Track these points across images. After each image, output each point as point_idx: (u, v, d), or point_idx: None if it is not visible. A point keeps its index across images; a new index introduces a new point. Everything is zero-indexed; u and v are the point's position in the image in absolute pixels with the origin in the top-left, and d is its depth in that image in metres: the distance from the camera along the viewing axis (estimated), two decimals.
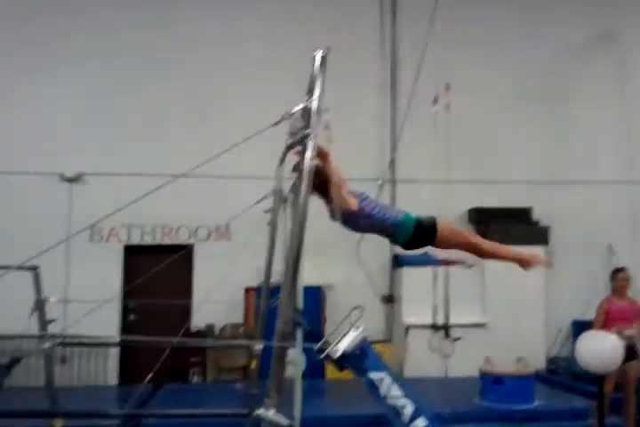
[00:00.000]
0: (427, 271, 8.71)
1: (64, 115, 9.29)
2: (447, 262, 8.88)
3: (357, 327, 3.08)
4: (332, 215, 3.91)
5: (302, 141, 3.28)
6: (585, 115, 10.26)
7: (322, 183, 3.76)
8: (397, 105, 9.78)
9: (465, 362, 8.16)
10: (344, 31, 9.57)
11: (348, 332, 3.07)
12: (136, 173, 8.88)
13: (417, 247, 4.21)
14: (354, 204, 3.87)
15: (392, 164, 9.64)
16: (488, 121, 9.94)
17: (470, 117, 9.64)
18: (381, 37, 10.08)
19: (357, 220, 3.92)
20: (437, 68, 8.95)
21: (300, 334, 3.41)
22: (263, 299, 4.41)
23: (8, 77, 9.27)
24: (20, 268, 4.35)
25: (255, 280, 8.17)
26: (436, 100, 8.68)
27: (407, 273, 9.31)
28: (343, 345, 3.01)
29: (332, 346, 3.02)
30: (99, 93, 9.35)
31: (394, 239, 4.16)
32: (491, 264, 9.25)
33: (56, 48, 9.37)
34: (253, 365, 5.57)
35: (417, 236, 4.07)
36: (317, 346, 3.05)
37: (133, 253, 9.36)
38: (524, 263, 4.16)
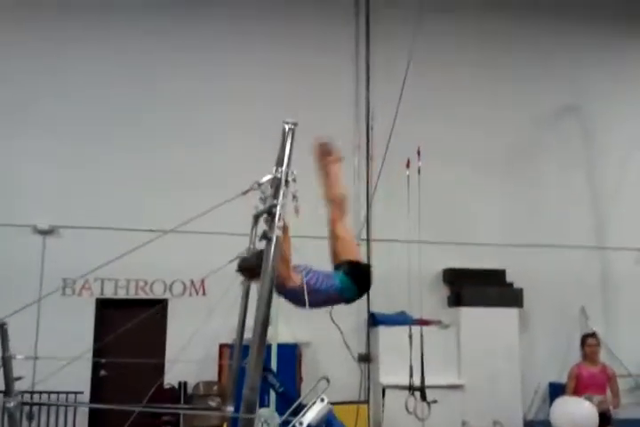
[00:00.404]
0: (403, 330, 8.67)
1: (38, 167, 9.27)
2: (423, 322, 8.87)
3: (322, 400, 3.03)
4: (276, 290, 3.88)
5: (270, 211, 3.37)
6: (555, 180, 10.59)
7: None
8: (371, 167, 9.95)
9: (442, 425, 8.04)
10: (319, 94, 9.86)
11: (313, 404, 3.01)
12: (109, 226, 8.95)
13: (368, 287, 4.43)
14: (296, 279, 3.98)
15: (367, 224, 9.74)
16: (460, 184, 10.17)
17: (442, 180, 9.85)
18: (356, 101, 10.33)
19: (301, 296, 3.90)
20: (410, 131, 9.19)
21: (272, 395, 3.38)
22: (235, 358, 4.37)
23: None
24: None
25: (230, 337, 8.06)
26: (408, 165, 8.88)
27: (383, 332, 9.26)
28: (308, 418, 2.95)
29: (296, 419, 2.95)
30: (73, 147, 9.39)
31: (350, 301, 4.34)
32: (466, 324, 9.36)
33: (28, 102, 9.40)
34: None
35: (361, 284, 4.29)
36: (282, 419, 3.00)
37: (106, 307, 9.21)
38: None
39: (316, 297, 4.04)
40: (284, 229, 3.82)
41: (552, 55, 10.91)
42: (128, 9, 9.89)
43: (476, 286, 9.60)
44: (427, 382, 8.04)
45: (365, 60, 10.36)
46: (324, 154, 4.51)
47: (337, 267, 4.38)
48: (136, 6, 9.92)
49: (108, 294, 9.25)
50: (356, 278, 4.26)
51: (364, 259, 4.71)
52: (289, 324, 7.71)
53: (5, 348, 5.91)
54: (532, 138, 10.63)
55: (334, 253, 4.55)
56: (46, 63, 9.60)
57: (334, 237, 4.58)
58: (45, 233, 9.20)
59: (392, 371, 8.77)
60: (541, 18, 10.91)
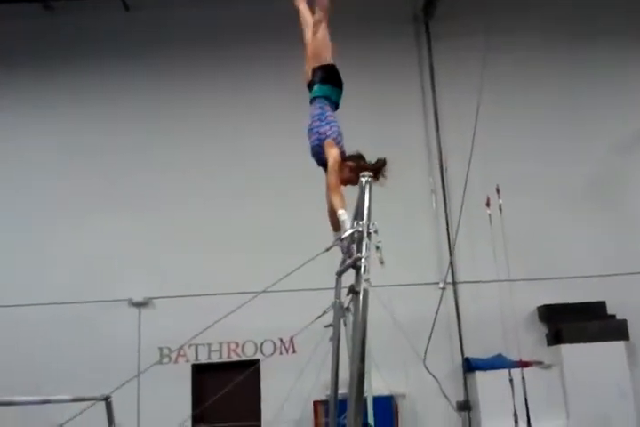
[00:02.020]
0: (502, 374, 8.35)
1: (128, 244, 9.71)
2: (523, 364, 8.54)
3: None
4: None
5: (355, 265, 3.39)
6: None
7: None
8: (451, 209, 9.86)
9: None
10: (390, 143, 9.93)
11: None
12: (198, 293, 9.22)
13: (340, 79, 4.91)
14: (336, 155, 4.45)
15: (451, 266, 9.59)
16: (544, 217, 9.86)
17: (525, 215, 9.61)
18: (427, 144, 10.34)
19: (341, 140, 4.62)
20: (486, 169, 9.12)
21: None
22: (331, 415, 4.32)
23: (75, 208, 9.90)
24: (92, 399, 4.42)
25: (323, 393, 8.00)
26: (488, 203, 8.76)
27: (481, 377, 8.94)
28: None
29: None
30: (157, 223, 9.82)
31: (339, 102, 4.86)
32: (570, 363, 8.93)
33: (117, 186, 9.98)
34: None
35: (333, 81, 4.81)
36: None
37: (202, 372, 9.34)
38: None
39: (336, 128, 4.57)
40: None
41: (628, 81, 10.57)
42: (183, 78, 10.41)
43: (575, 322, 9.17)
44: None
45: (433, 101, 10.40)
46: None
47: (309, 83, 4.87)
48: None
49: (203, 358, 9.41)
50: (328, 80, 4.76)
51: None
52: (382, 375, 7.57)
53: (111, 421, 6.08)
54: (614, 164, 10.24)
55: (308, 59, 4.99)
56: (136, 143, 10.21)
57: (313, 39, 5.05)
58: (140, 305, 9.54)
59: (495, 418, 8.41)
60: (618, 39, 10.63)
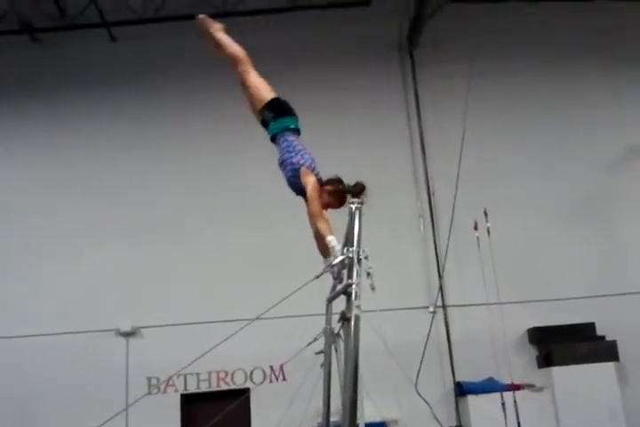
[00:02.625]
0: (493, 398, 8.32)
1: (114, 274, 9.66)
2: (514, 387, 8.52)
3: None
4: None
5: (346, 291, 3.39)
6: (633, 224, 10.15)
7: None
8: (439, 232, 9.90)
9: None
10: (377, 169, 10.00)
11: None
12: (185, 322, 9.17)
13: (284, 106, 4.90)
14: (314, 182, 4.48)
15: (441, 290, 9.59)
16: (532, 239, 9.91)
17: (514, 238, 9.67)
18: (414, 171, 10.39)
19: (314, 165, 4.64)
20: (473, 193, 9.19)
21: None
22: None
23: (60, 238, 9.84)
24: None
25: (315, 420, 7.90)
26: (476, 227, 8.81)
27: (473, 401, 8.88)
28: None
29: None
30: (142, 251, 9.78)
31: (296, 125, 4.84)
32: (561, 385, 8.90)
33: (107, 215, 9.94)
34: None
35: (278, 113, 4.78)
36: None
37: (191, 402, 9.22)
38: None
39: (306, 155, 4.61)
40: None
41: (618, 98, 10.72)
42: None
43: (565, 343, 9.18)
44: None
45: (418, 126, 10.49)
46: (206, 28, 5.08)
47: (262, 123, 4.86)
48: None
49: (192, 388, 9.30)
50: (279, 113, 4.75)
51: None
52: (374, 401, 7.50)
53: None
54: (603, 184, 10.30)
55: (251, 105, 4.99)
56: (125, 173, 10.21)
57: (245, 88, 5.01)
58: (128, 335, 9.44)
59: None
60: (599, 61, 10.81)
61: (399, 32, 10.84)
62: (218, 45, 5.10)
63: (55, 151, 10.37)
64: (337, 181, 4.56)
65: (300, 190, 4.56)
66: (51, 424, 8.62)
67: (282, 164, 4.65)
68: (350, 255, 3.63)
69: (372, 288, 3.63)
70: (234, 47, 5.05)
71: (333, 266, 3.80)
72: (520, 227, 9.85)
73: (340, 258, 3.70)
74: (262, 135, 10.03)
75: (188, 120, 10.47)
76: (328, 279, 4.51)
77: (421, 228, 10.04)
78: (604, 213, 10.24)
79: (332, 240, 4.03)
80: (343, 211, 4.48)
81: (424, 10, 9.96)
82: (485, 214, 8.77)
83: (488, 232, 8.80)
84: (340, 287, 3.73)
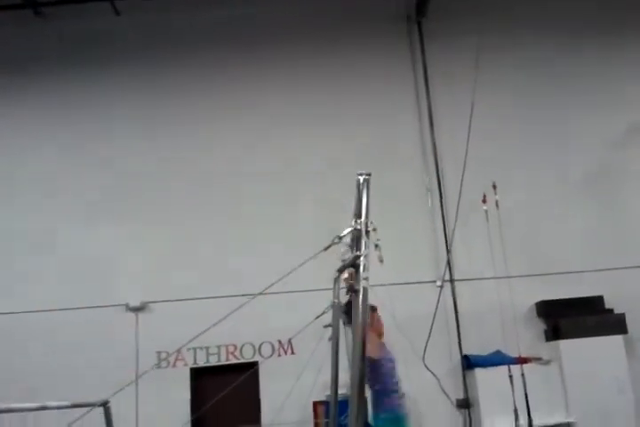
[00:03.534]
0: (501, 371, 8.34)
1: (124, 249, 9.68)
2: (522, 360, 8.53)
3: None
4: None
5: (354, 263, 3.37)
6: (637, 196, 10.11)
7: None
8: (447, 206, 9.85)
9: None
10: (385, 142, 9.94)
11: None
12: (195, 297, 9.18)
13: None
14: (375, 353, 4.27)
15: (448, 264, 9.57)
16: (541, 213, 9.87)
17: (522, 212, 9.64)
18: (422, 144, 10.28)
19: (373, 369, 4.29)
20: (481, 166, 9.13)
21: None
22: (331, 416, 4.30)
23: (71, 216, 9.83)
24: (91, 405, 4.39)
25: (323, 394, 7.97)
26: (484, 200, 8.76)
27: (480, 374, 8.90)
28: None
29: None
30: (153, 226, 9.76)
31: None
32: (569, 358, 8.92)
33: (114, 194, 9.93)
34: None
35: None
36: None
37: (200, 375, 9.29)
38: None
39: (375, 378, 4.36)
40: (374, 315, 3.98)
41: (622, 74, 10.59)
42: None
43: (573, 317, 9.16)
44: (535, 424, 7.66)
45: (427, 100, 10.36)
46: None
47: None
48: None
49: (201, 362, 9.36)
50: None
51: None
52: None
53: (110, 426, 6.06)
54: (609, 158, 10.22)
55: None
56: (134, 150, 10.16)
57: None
58: (137, 310, 9.48)
59: (495, 415, 8.40)
60: (608, 37, 10.66)
61: (407, 3, 10.66)
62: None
63: (63, 122, 10.28)
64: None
65: None
66: (60, 398, 8.70)
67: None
68: (358, 227, 3.59)
69: (381, 260, 3.61)
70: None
71: (342, 238, 3.76)
72: (528, 201, 9.81)
73: (349, 230, 3.67)
74: (250, 115, 9.92)
75: (188, 95, 10.36)
76: (336, 254, 4.49)
77: (429, 202, 9.98)
78: (611, 186, 10.18)
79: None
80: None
81: None
82: (494, 187, 8.70)
83: (497, 205, 8.74)
84: (348, 258, 3.70)
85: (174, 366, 9.25)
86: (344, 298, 4.05)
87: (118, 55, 10.46)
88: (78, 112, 10.32)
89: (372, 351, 4.06)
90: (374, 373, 4.27)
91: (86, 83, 10.40)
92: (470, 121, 8.71)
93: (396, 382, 4.35)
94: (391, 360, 4.35)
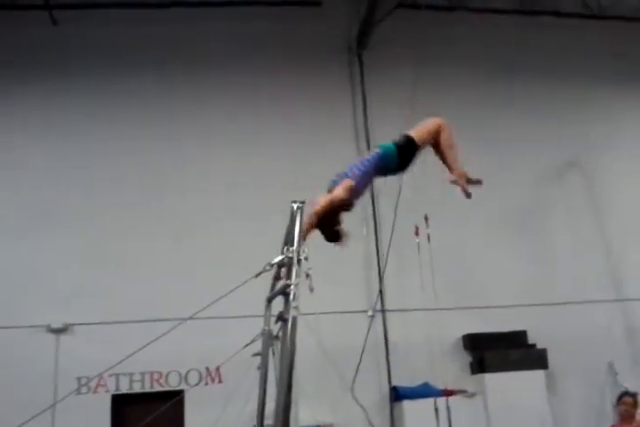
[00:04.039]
0: (428, 403, 8.40)
1: (47, 266, 9.28)
2: (448, 393, 8.63)
3: None
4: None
5: (284, 292, 3.36)
6: (566, 236, 10.50)
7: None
8: (381, 236, 9.96)
9: None
10: (322, 170, 9.93)
11: None
12: (120, 320, 8.87)
13: (410, 161, 4.78)
14: (340, 193, 4.28)
15: (380, 294, 9.64)
16: (471, 247, 10.10)
17: (453, 245, 9.80)
18: None
19: (359, 191, 4.43)
20: (416, 198, 9.27)
21: None
22: None
23: None
24: None
25: (249, 424, 7.80)
26: (417, 232, 8.91)
27: (408, 406, 8.94)
28: None
29: None
30: (81, 244, 9.41)
31: (389, 172, 4.71)
32: (493, 391, 9.07)
33: (39, 201, 9.56)
34: None
35: (403, 154, 4.63)
36: None
37: (122, 403, 8.97)
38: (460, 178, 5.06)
39: (363, 185, 4.45)
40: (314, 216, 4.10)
41: (552, 112, 11.03)
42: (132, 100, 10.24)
43: (497, 350, 9.37)
44: None
45: (365, 129, 10.53)
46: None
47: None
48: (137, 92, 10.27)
49: (124, 389, 9.04)
50: (402, 149, 4.60)
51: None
52: (309, 405, 7.47)
53: None
54: (539, 195, 10.63)
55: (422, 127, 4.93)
56: (62, 165, 9.81)
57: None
58: (59, 331, 9.10)
59: None
60: (538, 76, 11.10)
61: (349, 34, 10.87)
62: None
63: None
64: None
65: (328, 190, 4.46)
66: None
67: (353, 166, 4.59)
68: (290, 255, 3.59)
69: (311, 290, 3.60)
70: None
71: (273, 265, 3.75)
72: (459, 233, 10.00)
73: (280, 258, 3.66)
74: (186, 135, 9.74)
75: (119, 109, 10.16)
76: (268, 280, 4.46)
77: (364, 230, 10.08)
78: (538, 224, 10.54)
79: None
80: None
81: (374, 13, 10.06)
82: (426, 220, 8.87)
83: (428, 238, 8.90)
84: (278, 287, 3.69)
85: (95, 391, 8.90)
86: (274, 327, 4.02)
87: (51, 66, 10.15)
88: (10, 122, 9.99)
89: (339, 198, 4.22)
90: (362, 187, 4.48)
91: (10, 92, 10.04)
92: None
93: (364, 166, 4.52)
94: (355, 173, 4.45)
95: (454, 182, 4.88)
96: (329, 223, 4.32)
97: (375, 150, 4.61)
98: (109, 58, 10.28)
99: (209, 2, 10.40)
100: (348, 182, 4.35)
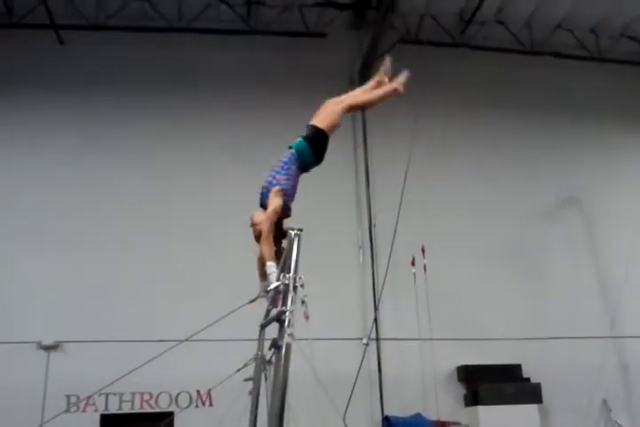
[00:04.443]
0: None
1: (40, 283, 9.23)
2: (441, 424, 8.55)
3: None
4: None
5: (279, 318, 3.36)
6: (563, 271, 10.53)
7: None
8: (377, 264, 9.94)
9: None
10: (321, 197, 10.03)
11: None
12: (112, 339, 8.81)
13: (324, 151, 4.80)
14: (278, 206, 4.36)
15: (375, 322, 9.60)
16: (468, 279, 10.07)
17: (449, 276, 9.81)
18: (357, 202, 10.46)
19: (290, 194, 4.56)
20: (413, 229, 9.31)
21: None
22: None
23: None
24: None
25: None
26: (413, 262, 8.92)
27: None
28: None
29: None
30: (73, 263, 9.38)
31: (311, 166, 4.78)
32: (486, 425, 8.97)
33: (29, 220, 9.53)
34: None
35: (316, 147, 4.69)
36: None
37: (111, 423, 8.86)
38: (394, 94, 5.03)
39: (293, 187, 4.56)
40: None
41: (553, 149, 11.15)
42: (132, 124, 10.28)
43: (492, 383, 9.30)
44: None
45: (364, 159, 10.61)
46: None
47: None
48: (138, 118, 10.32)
49: (113, 409, 8.94)
50: (313, 142, 4.66)
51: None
52: None
53: None
54: (537, 230, 10.65)
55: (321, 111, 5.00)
56: (51, 184, 9.81)
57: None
58: (50, 349, 9.02)
59: None
60: (539, 113, 11.24)
61: (352, 66, 10.98)
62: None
63: None
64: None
65: (262, 205, 4.52)
66: None
67: (271, 171, 4.64)
68: (286, 282, 3.61)
69: (307, 317, 3.60)
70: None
71: (269, 291, 3.76)
72: (456, 265, 10.01)
73: (276, 284, 3.67)
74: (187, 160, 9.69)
75: (120, 132, 10.19)
76: (263, 305, 4.45)
77: (360, 259, 10.07)
78: (535, 258, 10.55)
79: (272, 266, 4.01)
80: None
81: (377, 47, 10.21)
82: (423, 251, 8.90)
83: (424, 269, 8.92)
84: (273, 314, 3.69)
85: (84, 410, 8.80)
86: (267, 352, 4.00)
87: (56, 85, 10.21)
88: (8, 138, 10.00)
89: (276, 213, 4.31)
90: (293, 190, 4.58)
91: (20, 108, 10.09)
92: (404, 182, 8.88)
93: (284, 170, 4.58)
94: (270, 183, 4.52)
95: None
96: (277, 235, 4.38)
97: (290, 151, 4.67)
98: (116, 78, 10.38)
99: (216, 29, 10.51)
100: (277, 189, 4.46)
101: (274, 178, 4.53)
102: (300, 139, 4.71)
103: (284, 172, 4.55)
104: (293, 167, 4.60)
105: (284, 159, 4.62)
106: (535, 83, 11.36)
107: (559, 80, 11.43)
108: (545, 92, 11.37)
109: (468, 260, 10.15)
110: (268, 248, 4.17)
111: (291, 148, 4.70)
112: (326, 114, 4.90)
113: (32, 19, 10.08)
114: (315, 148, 4.69)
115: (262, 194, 4.55)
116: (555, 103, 11.36)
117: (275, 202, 4.35)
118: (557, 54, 11.39)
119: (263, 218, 4.32)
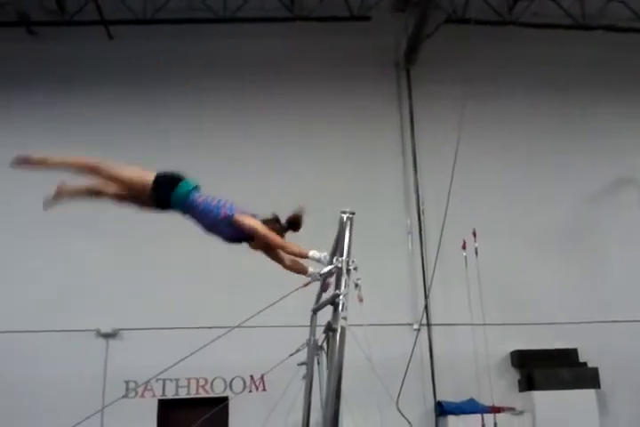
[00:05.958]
0: (474, 419, 8.26)
1: (99, 273, 9.47)
2: (495, 409, 8.47)
3: None
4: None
5: (333, 302, 3.36)
6: (617, 252, 10.22)
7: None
8: (427, 250, 9.88)
9: None
10: (369, 183, 10.00)
11: None
12: (168, 326, 9.01)
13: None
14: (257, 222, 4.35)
15: (426, 308, 9.55)
16: (520, 262, 9.90)
17: (501, 260, 9.66)
18: (405, 186, 10.39)
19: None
20: (463, 213, 9.20)
21: None
22: None
23: (42, 236, 9.57)
24: None
25: None
26: (464, 246, 8.81)
27: (453, 422, 8.81)
28: None
29: None
30: (130, 251, 9.58)
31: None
32: (542, 410, 8.85)
33: (87, 212, 9.74)
34: None
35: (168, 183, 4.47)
36: None
37: (168, 408, 9.10)
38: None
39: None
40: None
41: (607, 126, 10.78)
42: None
43: (547, 368, 9.15)
44: None
45: (412, 144, 10.49)
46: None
47: (159, 204, 4.72)
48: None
49: (170, 394, 9.17)
50: (172, 183, 4.48)
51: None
52: (354, 417, 7.42)
53: None
54: (592, 211, 10.36)
55: (136, 194, 4.84)
56: None
57: (122, 183, 4.82)
58: (108, 336, 9.31)
59: None
60: (591, 91, 10.91)
61: (397, 49, 10.87)
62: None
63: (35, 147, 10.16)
64: (274, 220, 4.48)
65: (247, 236, 4.47)
66: (23, 425, 8.47)
67: (212, 227, 4.49)
68: (339, 265, 3.60)
69: (360, 299, 3.60)
70: (78, 158, 4.76)
71: (322, 275, 3.76)
72: (507, 249, 9.84)
73: (329, 267, 3.66)
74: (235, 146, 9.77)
75: (172, 120, 10.33)
76: (314, 290, 4.47)
77: (409, 244, 10.01)
78: (591, 240, 10.28)
79: (316, 253, 3.99)
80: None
81: (423, 29, 10.01)
82: (474, 234, 8.77)
83: (476, 252, 8.80)
84: (326, 297, 3.70)
85: (142, 396, 9.05)
86: (320, 337, 4.03)
87: (107, 79, 10.40)
88: (62, 134, 10.16)
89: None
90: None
91: (74, 104, 10.32)
92: (454, 166, 8.79)
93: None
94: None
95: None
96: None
97: (188, 202, 4.54)
98: (159, 70, 10.53)
99: (257, 18, 10.51)
100: (248, 219, 4.42)
101: (222, 222, 4.43)
102: (172, 198, 4.58)
103: (215, 211, 4.45)
104: (208, 200, 4.52)
105: (200, 210, 4.51)
106: (588, 60, 10.98)
107: (611, 56, 11.02)
108: (595, 68, 10.98)
109: (520, 243, 9.95)
110: (296, 247, 4.15)
111: (185, 209, 4.64)
112: (132, 182, 4.74)
113: (81, 16, 10.29)
114: (172, 186, 4.55)
115: (235, 238, 4.54)
116: (608, 80, 10.95)
117: (252, 222, 4.34)
118: (611, 28, 10.89)
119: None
